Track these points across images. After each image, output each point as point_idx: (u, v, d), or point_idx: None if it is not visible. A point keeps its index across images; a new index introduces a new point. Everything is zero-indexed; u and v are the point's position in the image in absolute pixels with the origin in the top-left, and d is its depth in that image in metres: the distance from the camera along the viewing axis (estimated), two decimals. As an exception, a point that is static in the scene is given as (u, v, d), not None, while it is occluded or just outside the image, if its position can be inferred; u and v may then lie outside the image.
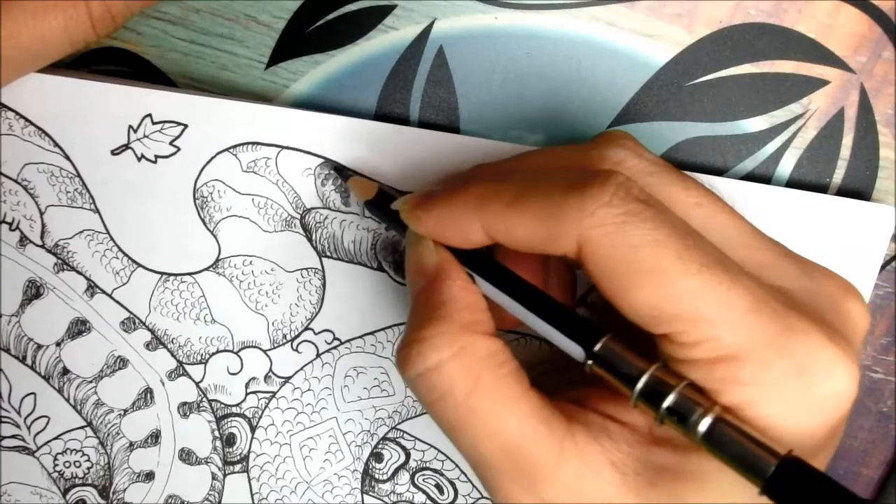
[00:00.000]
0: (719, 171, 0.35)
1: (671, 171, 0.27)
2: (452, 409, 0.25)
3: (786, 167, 0.36)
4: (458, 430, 0.26)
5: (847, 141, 0.35)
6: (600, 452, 0.25)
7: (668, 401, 0.24)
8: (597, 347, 0.25)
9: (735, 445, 0.23)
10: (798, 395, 0.24)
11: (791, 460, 0.22)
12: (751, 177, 0.36)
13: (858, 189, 0.36)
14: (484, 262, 0.28)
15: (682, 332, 0.24)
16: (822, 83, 0.35)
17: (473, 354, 0.26)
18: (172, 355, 0.36)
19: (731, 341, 0.23)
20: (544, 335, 0.26)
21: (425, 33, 0.34)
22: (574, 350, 0.26)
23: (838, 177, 0.36)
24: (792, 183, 0.36)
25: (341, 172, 0.33)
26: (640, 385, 0.24)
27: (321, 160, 0.33)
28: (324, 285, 0.35)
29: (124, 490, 0.37)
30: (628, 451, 0.25)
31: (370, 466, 0.37)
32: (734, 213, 0.27)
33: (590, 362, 0.25)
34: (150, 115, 0.33)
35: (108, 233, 0.34)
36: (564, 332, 0.26)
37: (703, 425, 0.23)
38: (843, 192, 0.36)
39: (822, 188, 0.36)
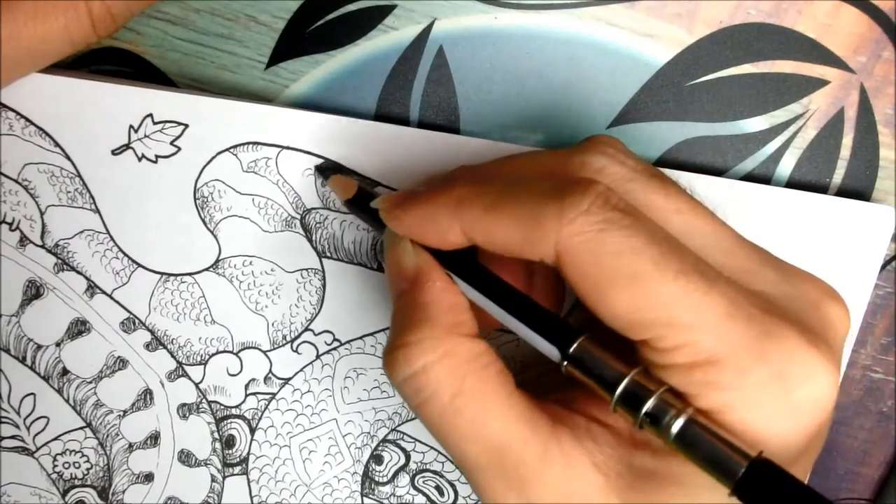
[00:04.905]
0: (719, 171, 0.36)
1: (653, 178, 0.27)
2: (438, 412, 0.26)
3: (786, 167, 0.36)
4: (444, 432, 0.26)
5: (847, 141, 0.35)
6: (584, 454, 0.25)
7: (647, 406, 0.24)
8: (572, 349, 0.25)
9: (706, 447, 0.23)
10: (776, 399, 0.24)
11: (761, 462, 0.22)
12: (751, 177, 0.36)
13: (858, 189, 0.36)
14: (462, 262, 0.28)
15: (660, 338, 0.24)
16: (822, 83, 0.35)
17: (458, 357, 0.26)
18: (172, 356, 0.35)
19: (708, 346, 0.23)
20: (521, 336, 0.26)
21: (425, 33, 0.34)
22: (550, 351, 0.26)
23: (838, 177, 0.36)
24: (792, 183, 0.36)
25: (322, 172, 0.33)
26: (619, 390, 0.24)
27: (321, 160, 0.33)
28: (324, 286, 0.35)
29: (123, 491, 0.37)
30: (610, 454, 0.26)
31: (370, 469, 0.37)
32: (715, 219, 0.27)
33: (565, 363, 0.25)
34: (150, 115, 0.33)
35: (108, 233, 0.34)
36: (540, 333, 0.26)
37: (676, 426, 0.23)
38: (843, 192, 0.36)
39: (822, 188, 0.36)
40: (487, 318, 0.28)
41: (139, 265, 0.34)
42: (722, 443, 0.23)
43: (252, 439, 0.37)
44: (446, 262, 0.28)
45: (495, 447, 0.25)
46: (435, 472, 0.37)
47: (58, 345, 0.35)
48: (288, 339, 0.35)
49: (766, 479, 0.22)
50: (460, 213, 0.26)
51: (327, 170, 0.33)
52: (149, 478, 0.37)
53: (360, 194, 0.31)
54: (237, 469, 0.37)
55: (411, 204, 0.28)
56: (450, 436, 0.26)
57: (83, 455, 0.36)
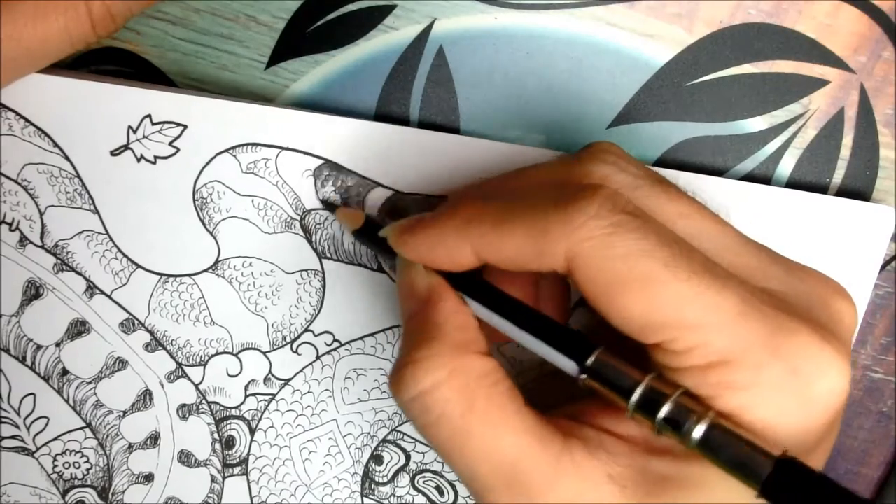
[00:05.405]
0: (719, 171, 0.35)
1: (656, 183, 0.27)
2: (448, 431, 0.25)
3: (786, 167, 0.36)
4: (453, 452, 0.26)
5: (847, 141, 0.35)
6: (597, 466, 0.25)
7: (664, 411, 0.24)
8: (589, 361, 0.25)
9: (731, 450, 0.23)
10: (792, 395, 0.24)
11: (786, 461, 0.22)
12: (751, 177, 0.36)
13: (858, 189, 0.36)
14: (473, 283, 0.28)
15: (674, 340, 0.24)
16: (822, 83, 0.35)
17: (467, 375, 0.26)
18: (172, 357, 0.35)
19: (722, 346, 0.23)
20: (537, 352, 0.27)
21: (425, 33, 0.34)
22: (567, 365, 0.26)
23: (838, 177, 0.36)
24: (792, 183, 0.36)
25: (330, 206, 0.33)
26: (635, 397, 0.24)
27: (321, 161, 0.33)
28: (323, 287, 0.35)
29: (123, 492, 0.37)
30: (626, 463, 0.25)
31: (370, 469, 0.37)
32: (720, 220, 0.27)
33: (583, 376, 0.25)
34: (149, 116, 0.33)
35: (107, 233, 0.34)
36: (556, 348, 0.26)
37: (698, 432, 0.23)
38: (843, 192, 0.36)
39: (822, 188, 0.36)
40: (496, 334, 0.28)
41: (138, 266, 0.34)
42: (746, 444, 0.23)
43: (252, 440, 0.36)
44: (457, 283, 0.28)
45: (506, 465, 0.25)
46: (435, 473, 0.37)
47: (57, 345, 0.35)
48: (288, 340, 0.35)
49: (793, 477, 0.22)
50: (468, 232, 0.26)
51: (334, 204, 0.33)
52: (149, 478, 0.37)
53: (368, 225, 0.32)
54: (237, 470, 0.37)
55: (419, 229, 0.28)
56: (459, 456, 0.26)
57: (83, 455, 0.36)
